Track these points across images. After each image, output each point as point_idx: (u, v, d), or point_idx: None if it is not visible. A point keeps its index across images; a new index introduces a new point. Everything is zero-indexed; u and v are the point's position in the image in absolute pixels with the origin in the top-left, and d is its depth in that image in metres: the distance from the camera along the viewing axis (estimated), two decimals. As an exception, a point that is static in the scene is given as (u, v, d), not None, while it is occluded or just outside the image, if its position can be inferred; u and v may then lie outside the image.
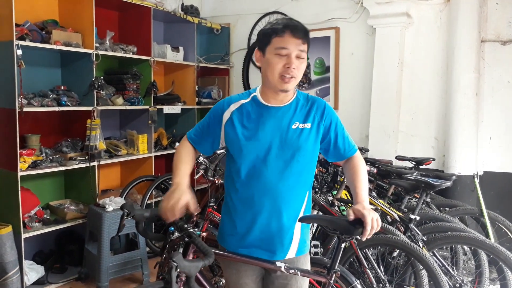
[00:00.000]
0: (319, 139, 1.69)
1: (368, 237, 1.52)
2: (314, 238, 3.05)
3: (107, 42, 3.69)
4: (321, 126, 1.67)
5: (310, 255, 1.84)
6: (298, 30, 1.57)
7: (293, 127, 1.65)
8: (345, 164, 1.77)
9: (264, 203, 1.65)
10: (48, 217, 3.33)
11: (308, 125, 1.66)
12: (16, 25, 3.00)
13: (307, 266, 1.76)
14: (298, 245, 1.71)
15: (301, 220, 1.66)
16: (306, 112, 1.68)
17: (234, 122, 1.68)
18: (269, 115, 1.66)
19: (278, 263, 1.61)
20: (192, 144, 1.79)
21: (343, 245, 1.58)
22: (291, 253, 1.70)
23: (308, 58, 1.67)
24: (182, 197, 1.54)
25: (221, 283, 2.80)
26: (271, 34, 1.59)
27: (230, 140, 1.69)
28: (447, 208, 3.31)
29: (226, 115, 1.69)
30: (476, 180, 3.46)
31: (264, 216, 1.66)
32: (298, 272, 1.58)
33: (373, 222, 1.51)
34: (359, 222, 1.52)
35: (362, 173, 1.69)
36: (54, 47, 3.19)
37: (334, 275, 1.65)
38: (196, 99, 4.59)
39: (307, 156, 1.67)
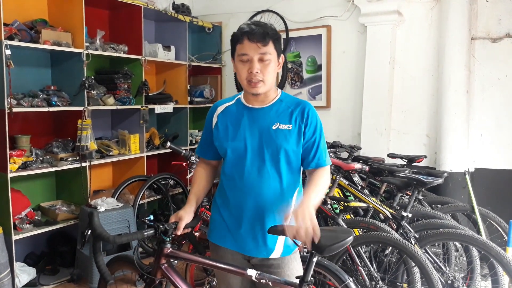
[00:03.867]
0: (301, 141, 1.68)
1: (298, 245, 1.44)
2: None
3: (98, 41, 3.66)
4: (302, 128, 1.67)
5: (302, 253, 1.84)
6: (254, 34, 1.59)
7: (273, 127, 1.67)
8: (309, 174, 1.72)
9: (247, 202, 1.69)
10: (39, 219, 3.30)
11: (289, 126, 1.67)
12: (5, 24, 2.97)
13: (295, 267, 1.74)
14: (283, 246, 1.70)
15: (270, 231, 1.57)
16: (289, 113, 1.69)
17: (218, 124, 1.76)
18: (250, 116, 1.71)
19: (249, 272, 1.57)
20: (201, 157, 1.89)
21: (315, 259, 1.51)
22: (275, 254, 1.70)
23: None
24: (177, 215, 1.73)
25: (214, 282, 2.80)
26: (234, 42, 1.67)
27: (217, 142, 1.76)
28: (438, 205, 3.33)
29: (214, 119, 1.78)
30: (468, 177, 3.49)
31: (247, 215, 1.69)
32: (270, 282, 1.54)
33: (299, 234, 1.42)
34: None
35: (319, 183, 1.64)
36: (44, 46, 3.16)
37: (306, 287, 1.57)
38: (188, 98, 4.57)
39: (289, 157, 1.67)
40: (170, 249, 1.71)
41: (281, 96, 1.74)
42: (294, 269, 1.73)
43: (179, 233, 1.71)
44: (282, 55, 1.71)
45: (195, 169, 1.91)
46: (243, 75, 1.64)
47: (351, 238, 1.50)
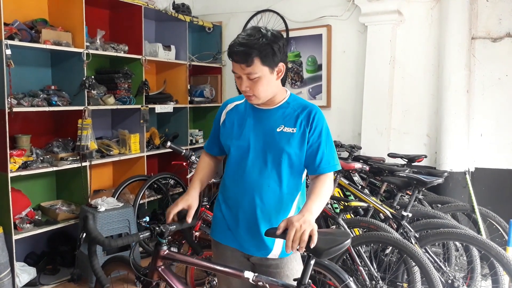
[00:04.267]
0: (304, 144, 1.66)
1: (293, 251, 1.43)
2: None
3: (98, 41, 3.66)
4: (306, 132, 1.65)
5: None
6: (238, 56, 1.57)
7: (278, 130, 1.66)
8: (312, 180, 1.69)
9: (245, 201, 1.69)
10: (40, 218, 3.30)
11: (293, 130, 1.65)
12: (5, 24, 2.97)
13: (294, 267, 1.73)
14: (282, 247, 1.69)
15: (266, 234, 1.55)
16: (295, 117, 1.67)
17: (226, 122, 1.78)
18: (256, 116, 1.72)
19: (246, 274, 1.56)
20: (207, 152, 1.92)
21: (312, 262, 1.49)
22: (274, 254, 1.70)
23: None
24: (180, 202, 1.71)
25: (214, 282, 2.80)
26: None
27: (223, 139, 1.79)
28: (439, 205, 3.33)
29: (223, 116, 1.81)
30: (468, 177, 3.49)
31: (245, 214, 1.69)
32: (267, 284, 1.54)
33: (295, 235, 1.40)
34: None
35: (323, 190, 1.61)
36: (44, 46, 3.16)
37: None
38: (189, 98, 4.57)
39: (292, 160, 1.66)
40: (167, 251, 1.71)
41: (289, 99, 1.72)
42: (293, 269, 1.73)
43: (189, 220, 1.69)
44: (281, 63, 1.63)
45: (200, 158, 1.93)
46: (239, 87, 1.67)
47: (349, 241, 1.49)
